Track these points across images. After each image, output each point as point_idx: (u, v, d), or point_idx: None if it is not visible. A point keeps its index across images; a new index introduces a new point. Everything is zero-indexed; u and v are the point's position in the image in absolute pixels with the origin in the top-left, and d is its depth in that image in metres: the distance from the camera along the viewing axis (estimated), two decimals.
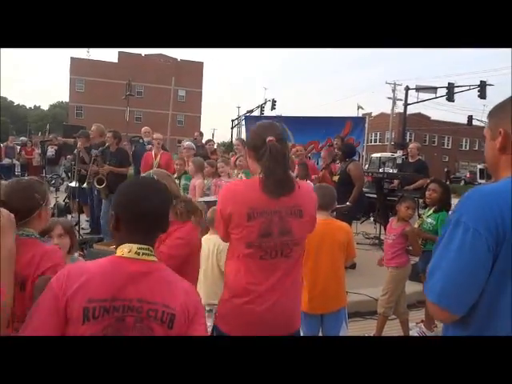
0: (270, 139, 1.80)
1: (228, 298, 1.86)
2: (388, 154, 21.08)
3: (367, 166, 11.80)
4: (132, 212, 1.26)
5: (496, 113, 1.25)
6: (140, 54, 44.50)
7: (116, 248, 1.29)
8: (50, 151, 11.01)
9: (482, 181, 22.18)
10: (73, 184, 6.44)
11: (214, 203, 2.00)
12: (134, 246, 1.24)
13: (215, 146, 9.69)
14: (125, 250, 1.25)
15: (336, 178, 5.84)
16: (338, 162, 6.38)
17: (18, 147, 14.53)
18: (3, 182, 1.77)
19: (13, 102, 73.47)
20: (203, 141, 8.56)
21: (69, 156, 9.48)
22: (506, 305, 1.10)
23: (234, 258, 1.87)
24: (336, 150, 6.85)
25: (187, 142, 6.86)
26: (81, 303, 1.16)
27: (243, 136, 12.14)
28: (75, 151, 6.79)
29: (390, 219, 4.04)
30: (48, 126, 16.32)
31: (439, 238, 1.20)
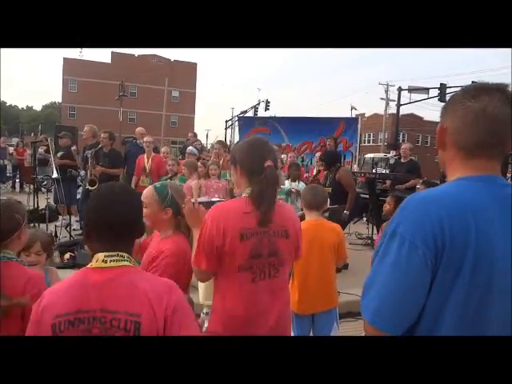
0: (269, 164, 1.76)
1: (221, 328, 1.76)
2: (381, 155, 21.17)
3: (356, 166, 11.85)
4: (96, 221, 1.25)
5: (443, 107, 1.15)
6: (133, 55, 44.31)
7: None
8: (40, 152, 10.93)
9: None
10: (55, 175, 6.40)
11: (207, 204, 1.94)
12: (101, 255, 1.23)
13: (209, 147, 9.73)
14: (93, 260, 1.24)
15: (329, 190, 5.84)
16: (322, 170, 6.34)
17: (11, 148, 14.43)
18: None
19: (5, 103, 72.92)
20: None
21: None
22: (447, 325, 1.00)
23: (223, 285, 1.79)
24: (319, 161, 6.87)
25: (190, 147, 6.94)
26: (49, 321, 1.18)
27: (236, 137, 12.13)
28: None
29: None
30: (40, 127, 16.22)
31: (376, 250, 1.09)
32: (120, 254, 1.23)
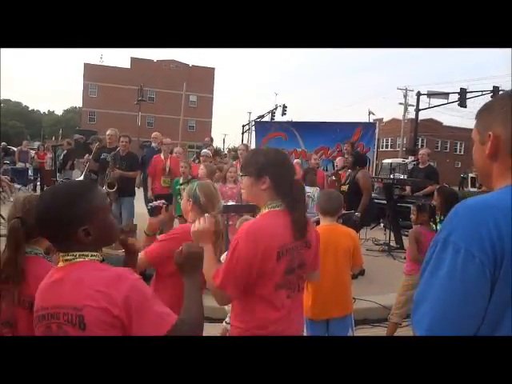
0: (298, 178, 1.81)
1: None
2: (399, 160, 20.95)
3: (375, 171, 11.73)
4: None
5: (485, 113, 1.08)
6: (152, 60, 44.99)
7: None
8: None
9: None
10: (81, 178, 6.51)
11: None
12: (60, 255, 1.29)
13: (225, 152, 9.81)
14: None
15: (345, 188, 5.82)
16: (346, 169, 6.36)
17: (32, 152, 14.75)
18: (17, 196, 1.80)
19: (27, 107, 74.73)
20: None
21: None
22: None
23: (258, 306, 1.69)
24: (346, 156, 6.87)
25: (204, 150, 7.02)
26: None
27: (253, 141, 12.15)
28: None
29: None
30: (61, 131, 16.59)
31: (425, 261, 1.01)
32: (71, 253, 1.25)
